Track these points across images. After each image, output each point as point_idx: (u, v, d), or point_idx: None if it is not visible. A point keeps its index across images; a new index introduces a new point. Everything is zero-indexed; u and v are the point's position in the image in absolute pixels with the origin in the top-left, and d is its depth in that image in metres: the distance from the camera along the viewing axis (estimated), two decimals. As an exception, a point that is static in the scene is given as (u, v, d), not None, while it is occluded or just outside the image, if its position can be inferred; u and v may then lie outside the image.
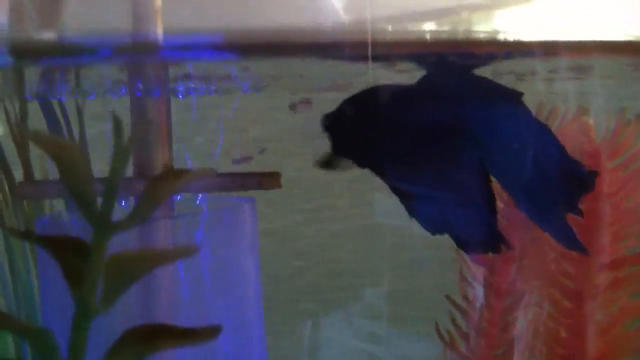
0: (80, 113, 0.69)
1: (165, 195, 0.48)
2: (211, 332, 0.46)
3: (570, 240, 0.54)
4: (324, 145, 0.55)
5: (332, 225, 0.76)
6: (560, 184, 0.53)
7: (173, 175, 0.47)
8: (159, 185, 0.47)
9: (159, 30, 0.57)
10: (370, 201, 0.70)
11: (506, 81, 0.61)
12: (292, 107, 0.69)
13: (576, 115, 0.60)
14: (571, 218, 0.57)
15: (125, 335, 0.45)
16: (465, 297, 0.61)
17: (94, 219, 0.45)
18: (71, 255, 0.45)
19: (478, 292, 0.60)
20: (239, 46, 0.58)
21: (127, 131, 0.51)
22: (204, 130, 0.67)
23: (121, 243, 0.56)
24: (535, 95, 0.63)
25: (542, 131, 0.54)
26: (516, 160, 0.53)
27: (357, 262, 0.70)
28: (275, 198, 0.65)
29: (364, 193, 0.72)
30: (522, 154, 0.53)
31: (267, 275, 0.63)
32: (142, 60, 0.57)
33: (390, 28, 0.59)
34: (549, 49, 0.61)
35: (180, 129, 0.63)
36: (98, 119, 0.68)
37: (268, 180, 0.60)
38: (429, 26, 0.59)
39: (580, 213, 0.53)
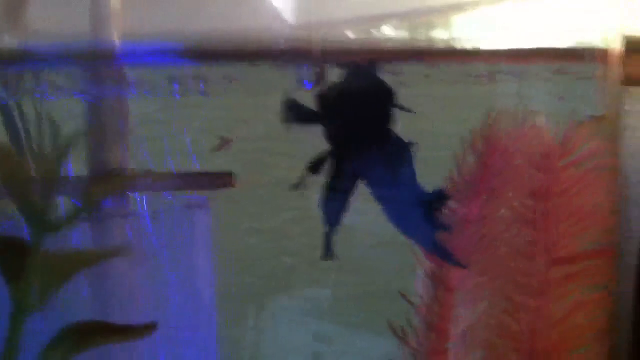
0: (39, 116, 0.70)
1: (104, 195, 0.49)
2: (146, 329, 0.47)
3: (444, 255, 0.57)
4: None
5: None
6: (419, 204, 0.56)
7: (109, 177, 0.49)
8: (97, 185, 0.48)
9: (116, 36, 0.58)
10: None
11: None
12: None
13: (529, 118, 0.61)
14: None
15: (60, 332, 0.46)
16: (418, 293, 0.61)
17: (31, 218, 0.47)
18: (10, 253, 0.47)
19: (430, 287, 0.61)
20: (195, 52, 0.60)
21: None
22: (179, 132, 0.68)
23: (76, 240, 0.58)
24: (485, 99, 0.64)
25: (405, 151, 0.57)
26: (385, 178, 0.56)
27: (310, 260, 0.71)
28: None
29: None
30: (388, 171, 0.56)
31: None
32: (99, 64, 0.58)
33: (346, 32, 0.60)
34: (499, 55, 0.62)
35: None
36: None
37: (221, 180, 0.61)
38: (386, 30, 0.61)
39: (447, 228, 0.57)
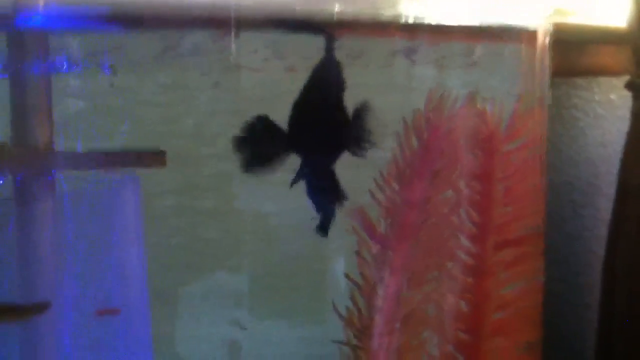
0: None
1: None
2: (39, 308, 0.44)
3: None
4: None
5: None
6: None
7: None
8: None
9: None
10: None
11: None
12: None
13: (469, 100, 0.60)
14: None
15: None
16: (362, 275, 0.60)
17: None
18: None
19: (373, 269, 0.59)
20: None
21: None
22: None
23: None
24: (427, 79, 0.63)
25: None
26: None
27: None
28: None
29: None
30: None
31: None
32: (20, 31, 0.54)
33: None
34: (441, 33, 0.61)
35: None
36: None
37: (150, 158, 0.58)
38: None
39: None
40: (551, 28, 0.63)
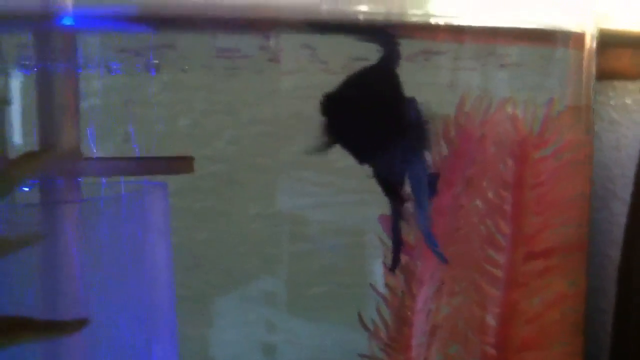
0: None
1: (20, 176, 0.44)
2: (78, 324, 0.43)
3: (432, 242, 0.54)
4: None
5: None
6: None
7: (28, 156, 0.44)
8: (15, 166, 0.43)
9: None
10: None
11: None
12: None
13: (502, 105, 0.59)
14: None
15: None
16: (388, 286, 0.59)
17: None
18: None
19: (401, 280, 0.58)
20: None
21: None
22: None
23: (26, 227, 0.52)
24: (459, 84, 0.62)
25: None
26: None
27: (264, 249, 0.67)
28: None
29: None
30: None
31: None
32: (49, 30, 0.52)
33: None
34: (474, 35, 0.59)
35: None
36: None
37: (178, 165, 0.57)
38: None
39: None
40: (596, 33, 0.62)
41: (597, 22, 0.63)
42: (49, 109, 0.52)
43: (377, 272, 0.60)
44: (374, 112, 0.48)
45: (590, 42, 0.63)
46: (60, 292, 0.52)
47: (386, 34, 0.56)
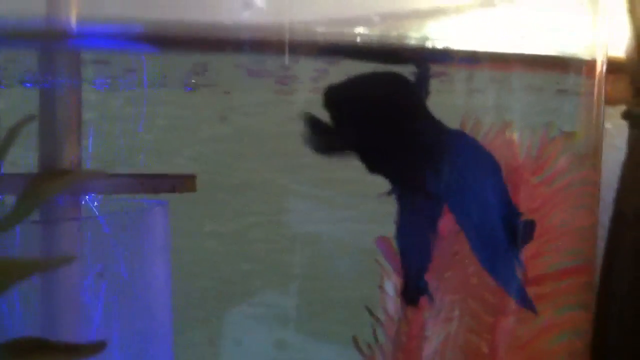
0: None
1: (46, 195, 0.44)
2: (96, 347, 0.42)
3: (522, 297, 0.52)
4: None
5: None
6: (505, 231, 0.50)
7: (55, 175, 0.44)
8: (39, 185, 0.43)
9: (72, 17, 0.52)
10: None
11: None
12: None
13: (499, 130, 0.59)
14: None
15: None
16: (384, 310, 0.59)
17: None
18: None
19: (397, 304, 0.58)
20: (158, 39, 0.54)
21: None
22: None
23: (26, 245, 0.51)
24: (457, 107, 0.62)
25: (492, 166, 0.50)
26: (471, 199, 0.50)
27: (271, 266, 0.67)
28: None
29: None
30: (476, 191, 0.50)
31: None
32: (54, 48, 0.52)
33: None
34: (474, 60, 0.60)
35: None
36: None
37: (182, 183, 0.56)
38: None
39: (522, 264, 0.52)
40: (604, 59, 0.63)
41: (606, 49, 0.64)
42: (51, 124, 0.52)
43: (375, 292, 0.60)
44: (391, 115, 0.46)
45: (600, 68, 0.64)
46: (61, 310, 0.52)
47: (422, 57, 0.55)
